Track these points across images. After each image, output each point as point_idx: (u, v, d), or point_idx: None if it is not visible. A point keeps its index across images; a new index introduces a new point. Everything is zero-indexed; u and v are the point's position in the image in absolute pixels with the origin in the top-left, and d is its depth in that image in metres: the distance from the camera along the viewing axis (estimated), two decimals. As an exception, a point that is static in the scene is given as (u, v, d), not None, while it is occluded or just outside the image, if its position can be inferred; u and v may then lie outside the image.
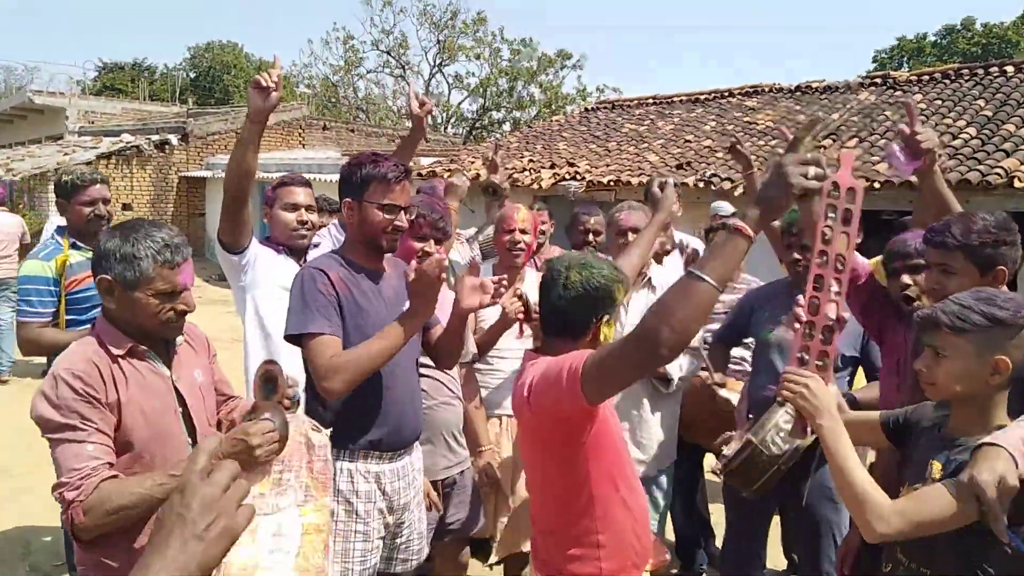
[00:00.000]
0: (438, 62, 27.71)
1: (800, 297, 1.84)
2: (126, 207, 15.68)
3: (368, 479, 2.24)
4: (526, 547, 2.80)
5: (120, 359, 1.76)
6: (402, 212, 2.21)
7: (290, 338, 2.13)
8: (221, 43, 39.20)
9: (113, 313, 1.79)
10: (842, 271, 1.80)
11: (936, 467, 1.73)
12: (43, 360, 5.35)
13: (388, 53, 27.79)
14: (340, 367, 2.01)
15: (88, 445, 1.63)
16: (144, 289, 1.73)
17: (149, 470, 1.72)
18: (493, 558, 3.14)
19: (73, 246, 2.99)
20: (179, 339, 1.92)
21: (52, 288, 2.90)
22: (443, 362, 2.47)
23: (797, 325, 1.83)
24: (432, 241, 2.66)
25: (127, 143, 15.68)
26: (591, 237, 3.52)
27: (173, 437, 1.79)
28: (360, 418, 2.21)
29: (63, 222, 3.08)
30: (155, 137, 16.16)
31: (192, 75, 38.68)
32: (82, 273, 2.85)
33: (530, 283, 3.17)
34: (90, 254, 2.15)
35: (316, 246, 2.94)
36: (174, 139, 16.33)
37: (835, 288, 1.81)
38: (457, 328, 2.31)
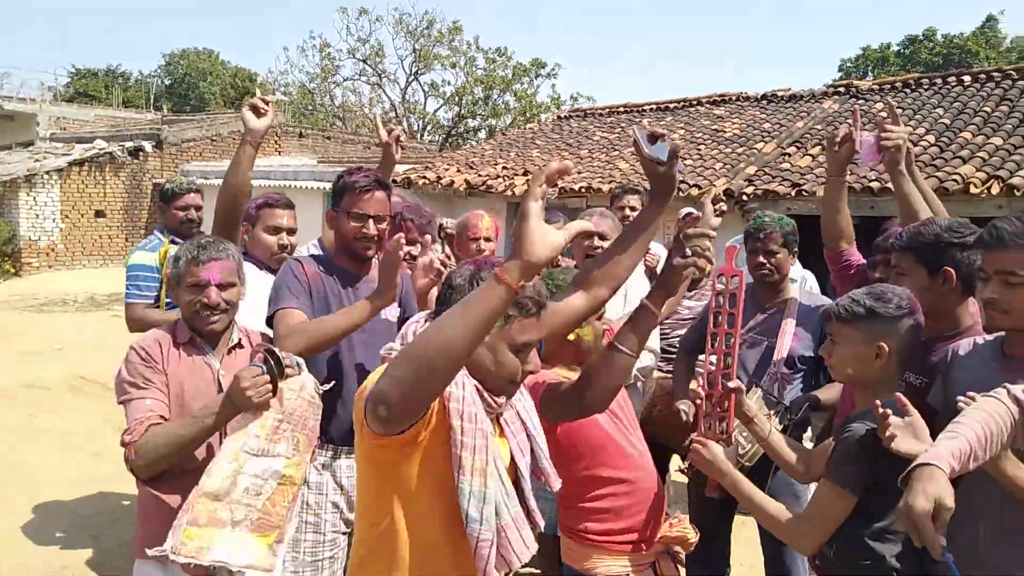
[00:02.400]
0: (414, 71, 27.80)
1: (699, 372, 2.14)
2: (99, 214, 15.58)
3: (320, 471, 2.32)
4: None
5: (181, 346, 2.08)
6: (371, 221, 2.32)
7: (268, 321, 2.26)
8: (197, 50, 38.98)
9: (183, 313, 2.12)
10: (731, 347, 2.17)
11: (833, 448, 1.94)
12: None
13: (364, 61, 27.82)
14: (300, 329, 2.15)
15: (147, 400, 1.97)
16: (183, 284, 2.07)
17: None
18: None
19: (172, 242, 3.57)
20: (234, 338, 2.18)
21: (155, 275, 3.45)
22: None
23: (698, 401, 2.15)
24: (420, 245, 2.79)
25: (100, 150, 15.58)
26: None
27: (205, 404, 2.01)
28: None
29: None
30: (129, 144, 16.06)
31: (167, 82, 38.38)
32: None
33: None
34: None
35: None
36: (148, 146, 16.25)
37: (725, 363, 2.16)
38: None
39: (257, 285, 2.68)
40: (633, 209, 4.22)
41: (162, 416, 1.97)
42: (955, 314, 2.08)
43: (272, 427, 1.91)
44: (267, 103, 2.58)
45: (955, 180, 7.05)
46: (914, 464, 1.40)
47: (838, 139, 2.47)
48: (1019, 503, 1.60)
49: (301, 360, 2.02)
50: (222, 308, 2.08)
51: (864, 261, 2.62)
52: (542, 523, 1.68)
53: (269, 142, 17.87)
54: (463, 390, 1.48)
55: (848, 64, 32.64)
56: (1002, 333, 1.84)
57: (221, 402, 1.91)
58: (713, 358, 2.17)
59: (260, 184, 13.05)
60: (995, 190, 6.83)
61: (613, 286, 1.88)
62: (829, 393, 2.76)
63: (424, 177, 11.00)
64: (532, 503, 1.66)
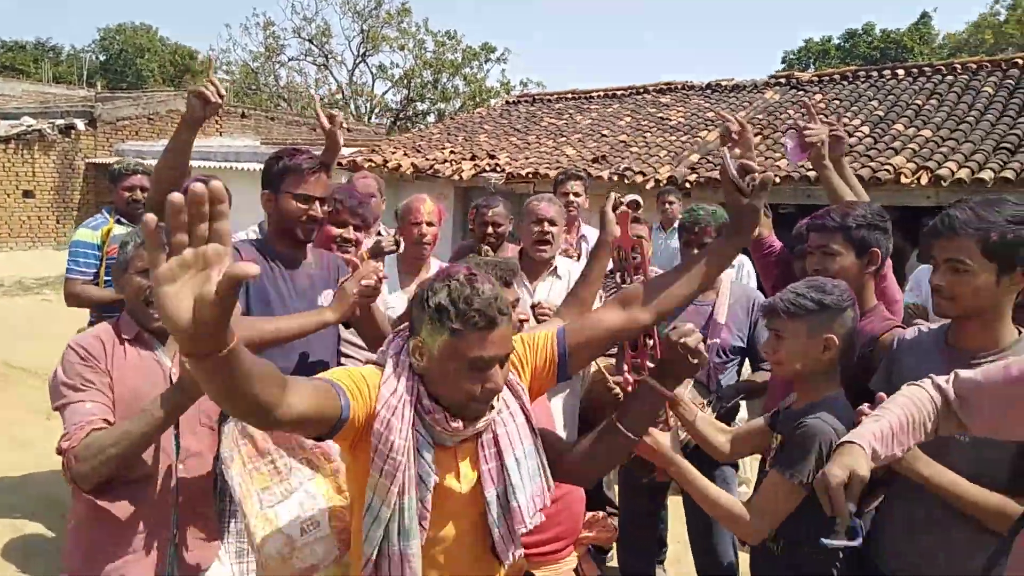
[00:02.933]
0: (362, 52, 27.34)
1: (624, 365, 2.02)
2: (27, 194, 14.91)
3: None
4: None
5: (127, 342, 1.91)
6: (317, 203, 2.29)
7: None
8: (134, 25, 37.50)
9: (128, 303, 1.95)
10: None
11: (776, 438, 1.97)
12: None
13: (310, 41, 27.22)
14: (238, 326, 2.08)
15: (87, 403, 1.79)
16: (130, 270, 1.92)
17: None
18: None
19: (118, 222, 3.67)
20: None
21: (96, 253, 3.55)
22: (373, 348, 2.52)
23: (628, 376, 2.02)
24: (351, 228, 2.74)
25: (28, 127, 14.85)
26: (491, 229, 3.62)
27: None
28: None
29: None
30: (59, 121, 15.36)
31: (102, 58, 36.87)
32: None
33: (435, 272, 3.26)
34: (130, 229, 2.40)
35: None
36: (80, 124, 15.58)
37: (649, 342, 1.95)
38: (365, 316, 2.33)
39: None
40: (576, 195, 4.23)
41: (105, 420, 1.79)
42: (863, 296, 2.14)
43: (269, 472, 1.76)
44: (220, 93, 2.39)
45: (887, 170, 7.29)
46: (839, 442, 1.48)
47: (734, 134, 2.54)
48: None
49: None
50: None
51: (781, 245, 2.69)
52: (506, 561, 1.57)
53: (210, 122, 17.34)
54: (394, 414, 1.42)
55: (791, 56, 33.35)
56: (946, 322, 1.87)
57: (171, 391, 1.74)
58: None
59: (200, 165, 12.66)
60: (924, 180, 7.08)
61: (659, 312, 1.65)
62: (759, 380, 2.83)
63: (370, 160, 10.85)
64: (496, 536, 1.54)
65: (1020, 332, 1.76)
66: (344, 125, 2.88)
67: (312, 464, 1.80)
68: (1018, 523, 1.34)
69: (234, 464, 1.77)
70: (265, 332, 2.05)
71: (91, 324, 3.77)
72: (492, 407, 1.52)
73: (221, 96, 2.38)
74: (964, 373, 1.57)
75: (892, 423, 1.49)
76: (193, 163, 13.16)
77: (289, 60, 28.38)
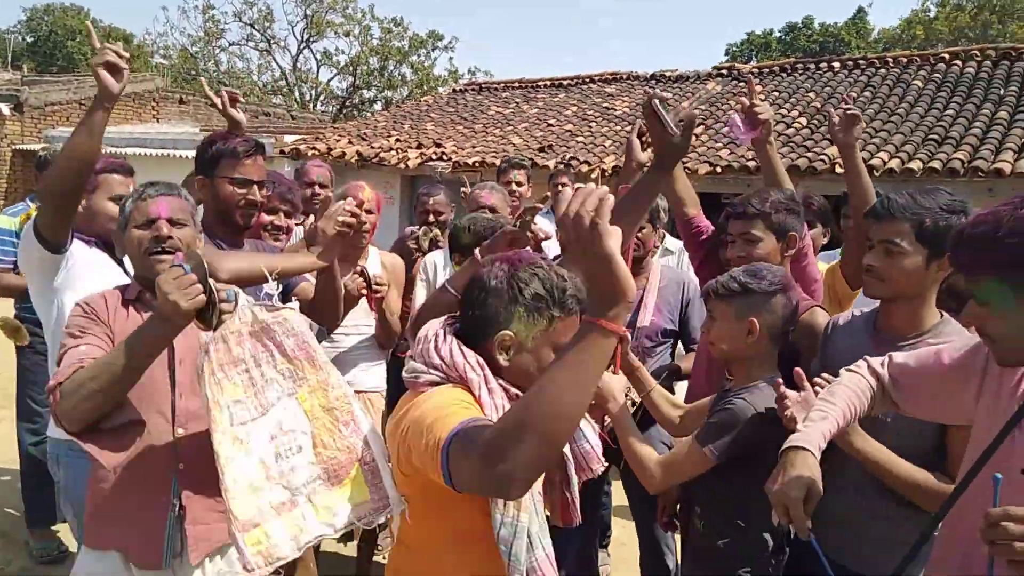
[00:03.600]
0: (306, 38, 26.77)
1: None
2: (-52, 183, 14.19)
3: None
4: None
5: (130, 303, 1.85)
6: (255, 187, 2.24)
7: None
8: (63, 5, 35.92)
9: (131, 258, 1.90)
10: None
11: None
12: None
13: (252, 26, 26.53)
14: None
15: (81, 347, 1.71)
16: (130, 229, 1.84)
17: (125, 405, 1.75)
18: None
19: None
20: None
21: (13, 240, 3.42)
22: (325, 320, 2.46)
23: None
24: (282, 214, 2.68)
25: (-52, 112, 14.16)
26: (432, 217, 3.61)
27: (152, 381, 1.74)
28: None
29: None
30: (-18, 106, 14.68)
31: (29, 39, 35.24)
32: None
33: (373, 260, 3.24)
34: None
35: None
36: (6, 108, 14.86)
37: None
38: (327, 280, 2.29)
39: (90, 264, 2.38)
40: (519, 184, 4.24)
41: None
42: None
43: (244, 383, 1.55)
44: (125, 58, 2.21)
45: (823, 160, 7.51)
46: (787, 445, 1.48)
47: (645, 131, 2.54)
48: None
49: (236, 289, 1.61)
50: (175, 246, 1.82)
51: (712, 227, 2.74)
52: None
53: (146, 108, 16.79)
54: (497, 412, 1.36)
55: (734, 48, 33.98)
56: (876, 306, 1.94)
57: (151, 320, 1.59)
58: None
59: (136, 152, 12.24)
60: (857, 170, 7.31)
61: None
62: (689, 363, 2.89)
63: (314, 148, 10.65)
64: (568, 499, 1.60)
65: (942, 315, 1.85)
66: (238, 98, 2.70)
67: (295, 376, 1.58)
68: (937, 516, 1.38)
69: (204, 372, 1.55)
70: (254, 267, 1.95)
71: (17, 317, 3.63)
72: None
73: (125, 60, 2.11)
74: (898, 357, 1.63)
75: (839, 419, 1.53)
76: (128, 150, 12.77)
77: (230, 45, 27.62)
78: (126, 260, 2.05)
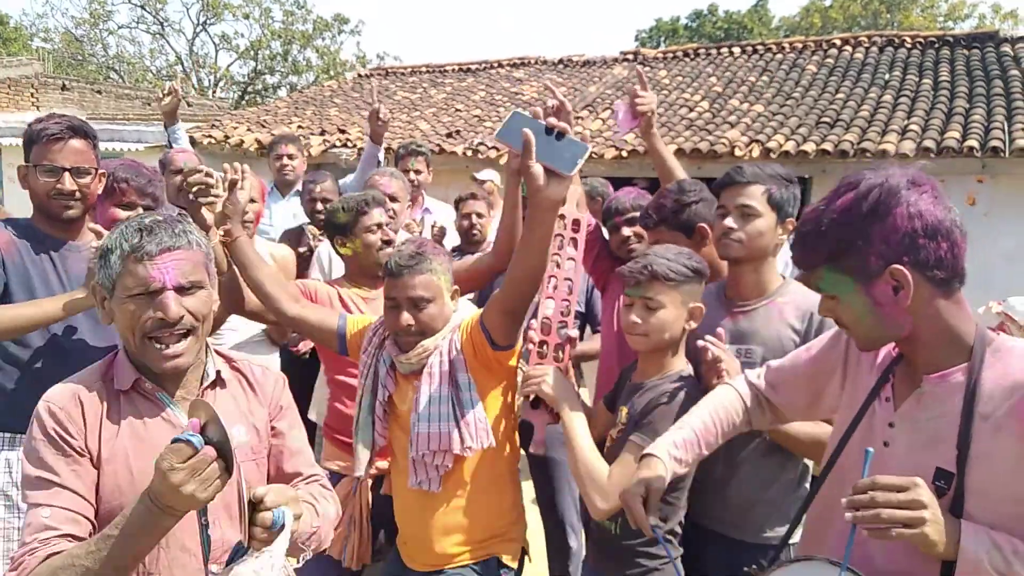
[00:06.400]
0: (202, 20, 25.52)
1: (533, 320, 2.00)
2: None
3: None
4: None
5: (122, 396, 1.37)
6: (66, 174, 2.02)
7: None
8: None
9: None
10: (570, 294, 2.02)
11: (623, 412, 1.91)
12: None
13: (143, 8, 25.05)
14: None
15: (44, 509, 1.27)
16: (119, 291, 1.34)
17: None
18: None
19: None
20: (209, 371, 1.44)
21: None
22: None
23: (531, 346, 1.99)
24: (141, 209, 2.45)
25: None
26: (319, 205, 3.46)
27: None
28: (12, 397, 2.01)
29: None
30: None
31: None
32: None
33: (261, 251, 3.05)
34: None
35: None
36: None
37: (564, 308, 2.02)
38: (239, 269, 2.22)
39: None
40: (418, 172, 4.12)
41: (70, 535, 1.27)
42: None
43: None
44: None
45: (723, 143, 7.66)
46: (643, 453, 1.59)
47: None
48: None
49: (285, 509, 1.24)
50: (188, 326, 1.36)
51: (595, 221, 2.71)
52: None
53: (23, 94, 15.58)
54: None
55: (643, 34, 34.56)
56: (724, 279, 2.06)
57: (140, 510, 1.19)
58: (551, 303, 2.02)
59: (12, 143, 11.35)
60: (756, 153, 7.51)
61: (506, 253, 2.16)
62: (590, 346, 2.86)
63: (210, 136, 10.13)
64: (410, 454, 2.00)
65: (784, 278, 2.02)
66: (177, 90, 2.69)
67: None
68: (806, 501, 1.45)
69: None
70: (15, 320, 1.84)
71: None
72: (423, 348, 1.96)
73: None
74: (773, 363, 1.68)
75: (696, 428, 1.60)
76: (3, 140, 11.80)
77: (119, 28, 26.07)
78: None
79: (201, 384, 1.45)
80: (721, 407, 1.65)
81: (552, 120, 1.54)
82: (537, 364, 1.98)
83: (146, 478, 1.21)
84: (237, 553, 1.25)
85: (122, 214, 2.26)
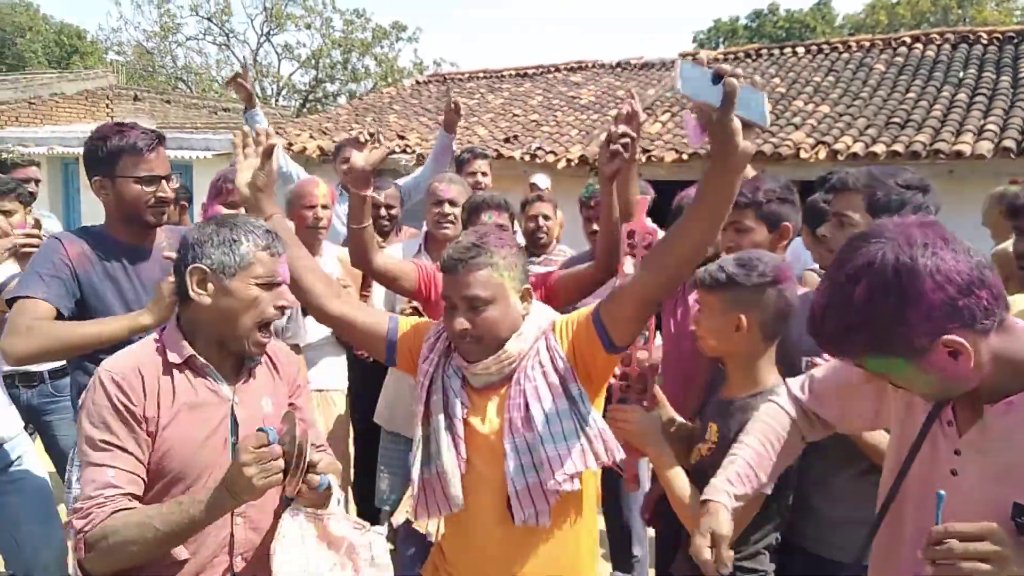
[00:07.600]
0: (265, 31, 26.27)
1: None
2: None
3: None
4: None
5: (176, 369, 1.51)
6: (163, 182, 2.09)
7: (10, 302, 1.97)
8: (12, 2, 34.83)
9: (191, 315, 1.54)
10: (649, 321, 1.82)
11: (713, 430, 1.81)
12: None
13: (209, 20, 25.95)
14: (35, 330, 1.86)
15: (109, 470, 1.42)
16: (243, 276, 1.51)
17: None
18: None
19: None
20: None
21: None
22: None
23: (613, 380, 1.85)
24: (243, 209, 2.53)
25: None
26: (383, 211, 3.50)
27: (219, 472, 1.42)
28: None
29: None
30: (-74, 106, 14.11)
31: (-24, 37, 34.14)
32: None
33: (329, 258, 3.10)
34: None
35: None
36: (-49, 109, 14.34)
37: (643, 336, 1.84)
38: None
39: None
40: (484, 174, 4.12)
41: (131, 494, 1.42)
42: None
43: None
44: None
45: (788, 145, 7.48)
46: (700, 499, 1.52)
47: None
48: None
49: (331, 477, 1.51)
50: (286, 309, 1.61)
51: (656, 229, 2.65)
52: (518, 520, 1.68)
53: (99, 105, 16.29)
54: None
55: (701, 35, 34.07)
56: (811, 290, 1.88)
57: (215, 489, 1.36)
58: None
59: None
60: (822, 155, 7.30)
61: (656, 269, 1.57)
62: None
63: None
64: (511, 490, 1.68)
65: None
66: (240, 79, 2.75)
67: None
68: (874, 525, 1.38)
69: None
70: (62, 337, 1.86)
71: None
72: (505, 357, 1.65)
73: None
74: (818, 372, 1.60)
75: (748, 459, 1.53)
76: (80, 150, 12.33)
77: (187, 40, 27.00)
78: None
79: (248, 364, 1.63)
80: (769, 429, 1.56)
81: (724, 67, 1.26)
82: (619, 405, 1.85)
83: (197, 445, 1.48)
84: (287, 503, 1.52)
85: (227, 212, 2.36)
